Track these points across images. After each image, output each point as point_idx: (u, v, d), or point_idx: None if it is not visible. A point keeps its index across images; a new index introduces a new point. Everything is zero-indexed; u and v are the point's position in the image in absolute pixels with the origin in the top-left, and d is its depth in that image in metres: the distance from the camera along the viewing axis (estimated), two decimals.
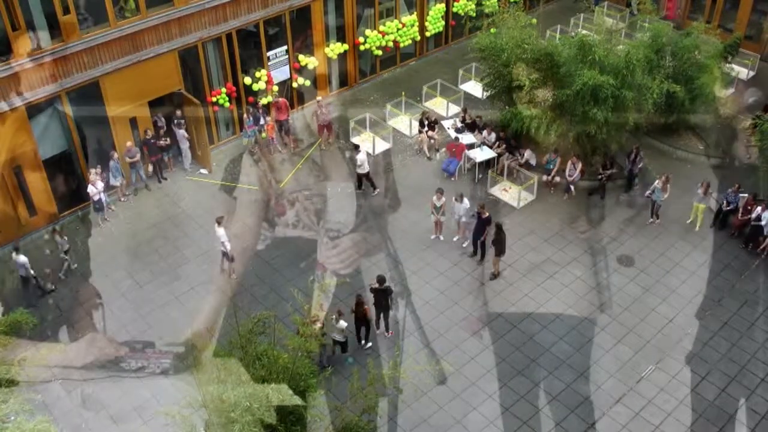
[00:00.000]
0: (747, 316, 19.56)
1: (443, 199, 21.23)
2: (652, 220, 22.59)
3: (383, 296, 18.50)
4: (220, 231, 19.96)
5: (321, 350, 17.05)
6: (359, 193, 23.65)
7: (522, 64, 23.18)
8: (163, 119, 23.96)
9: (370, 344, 18.83)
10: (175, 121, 23.75)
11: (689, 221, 22.38)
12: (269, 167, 24.83)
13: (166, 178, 24.04)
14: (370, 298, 18.68)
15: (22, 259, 19.46)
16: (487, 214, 20.53)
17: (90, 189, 21.61)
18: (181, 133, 23.74)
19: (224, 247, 20.16)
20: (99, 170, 22.07)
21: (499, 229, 20.08)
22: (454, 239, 21.62)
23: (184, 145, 24.08)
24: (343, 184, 24.13)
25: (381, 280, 18.40)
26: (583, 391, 17.72)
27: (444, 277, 20.69)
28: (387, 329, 19.09)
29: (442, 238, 21.80)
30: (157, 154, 23.56)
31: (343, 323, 17.75)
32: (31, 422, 12.71)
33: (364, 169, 23.31)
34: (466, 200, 21.06)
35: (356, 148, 23.86)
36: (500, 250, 20.25)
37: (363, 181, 23.64)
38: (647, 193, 22.54)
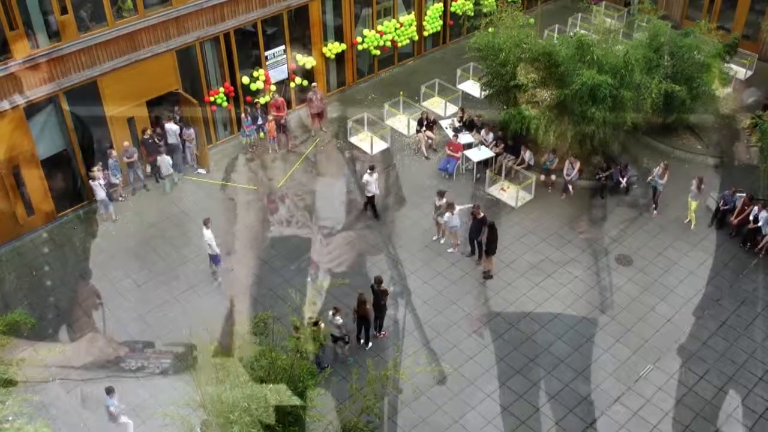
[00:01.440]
0: (745, 316, 19.59)
1: (444, 200, 21.19)
2: (654, 206, 22.77)
3: (379, 297, 18.51)
4: (208, 233, 19.83)
5: (320, 351, 17.06)
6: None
7: (521, 64, 23.18)
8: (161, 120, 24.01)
9: (370, 344, 18.83)
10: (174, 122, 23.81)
11: (687, 221, 22.40)
12: (268, 166, 24.82)
13: (163, 178, 23.99)
14: (370, 298, 18.65)
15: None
16: (482, 214, 20.54)
17: (93, 185, 21.59)
18: (174, 128, 23.75)
19: (211, 249, 20.03)
20: (101, 167, 22.08)
21: (491, 227, 20.09)
22: (449, 250, 21.57)
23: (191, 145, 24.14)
24: (341, 183, 24.13)
25: (378, 281, 18.42)
26: (582, 390, 17.74)
27: (442, 277, 20.69)
28: (379, 330, 19.07)
29: (443, 241, 21.77)
30: (155, 154, 23.53)
31: (338, 319, 17.73)
32: (31, 426, 12.71)
33: (369, 191, 22.33)
34: (457, 208, 21.01)
35: (371, 169, 22.24)
36: (490, 249, 20.28)
37: (367, 206, 22.83)
38: (648, 178, 22.97)
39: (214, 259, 20.24)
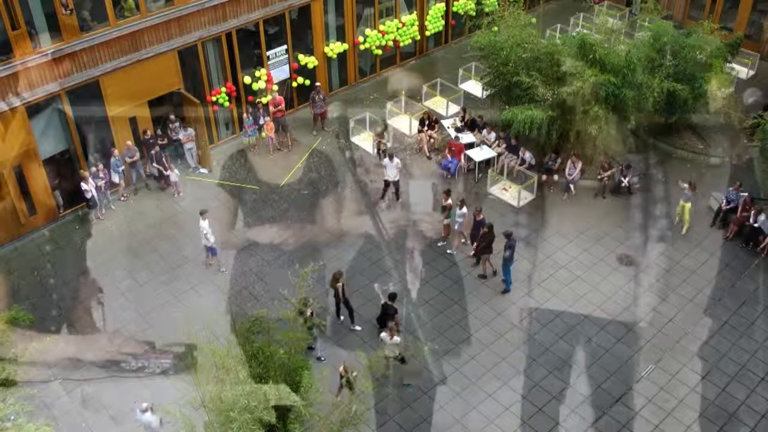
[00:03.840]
0: (747, 315, 19.57)
1: (449, 200, 21.16)
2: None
3: (389, 312, 18.33)
4: (203, 223, 19.98)
5: (313, 336, 17.27)
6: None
7: (522, 63, 23.17)
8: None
9: (358, 328, 18.93)
10: (170, 126, 23.82)
11: (677, 221, 22.30)
12: (269, 166, 24.83)
13: (167, 176, 23.96)
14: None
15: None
16: (482, 217, 20.53)
17: (82, 185, 21.62)
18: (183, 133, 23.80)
19: (206, 240, 20.19)
20: (101, 166, 22.09)
21: (489, 229, 20.07)
22: (448, 251, 21.56)
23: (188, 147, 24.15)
24: (342, 182, 24.14)
25: (392, 296, 18.40)
26: (583, 390, 17.73)
27: (444, 277, 20.69)
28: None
29: (441, 244, 21.71)
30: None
31: (397, 338, 17.29)
32: (33, 426, 12.73)
33: (389, 176, 22.79)
34: (465, 208, 21.01)
35: (390, 156, 22.74)
36: (487, 248, 20.27)
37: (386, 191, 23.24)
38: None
39: (211, 251, 20.49)
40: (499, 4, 28.20)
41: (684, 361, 18.37)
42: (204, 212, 20.18)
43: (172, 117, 23.74)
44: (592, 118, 21.88)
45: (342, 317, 19.12)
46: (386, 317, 18.29)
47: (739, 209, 21.66)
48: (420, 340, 18.76)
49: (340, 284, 18.53)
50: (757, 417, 17.12)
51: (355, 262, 21.13)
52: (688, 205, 21.94)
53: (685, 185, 21.95)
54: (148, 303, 19.85)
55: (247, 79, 25.05)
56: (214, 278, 20.60)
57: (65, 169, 22.39)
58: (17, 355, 16.12)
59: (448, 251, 21.48)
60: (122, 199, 23.26)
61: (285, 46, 25.74)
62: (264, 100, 25.61)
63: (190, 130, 23.86)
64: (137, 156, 23.07)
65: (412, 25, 29.44)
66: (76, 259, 21.25)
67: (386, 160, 22.70)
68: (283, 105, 25.69)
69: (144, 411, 15.73)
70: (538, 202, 23.36)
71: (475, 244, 20.60)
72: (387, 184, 23.05)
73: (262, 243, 21.80)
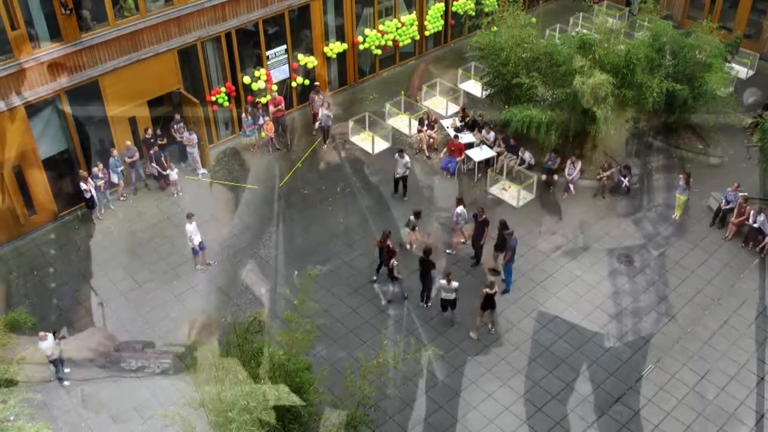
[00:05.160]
0: (747, 315, 19.57)
1: (459, 208, 21.12)
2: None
3: (428, 268, 19.31)
4: (189, 227, 20.06)
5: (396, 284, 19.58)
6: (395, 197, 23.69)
7: (522, 63, 23.18)
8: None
9: (401, 276, 19.80)
10: (175, 126, 23.82)
11: (674, 216, 22.45)
12: (269, 165, 24.83)
13: (166, 175, 23.96)
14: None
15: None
16: (484, 217, 20.55)
17: (82, 185, 21.61)
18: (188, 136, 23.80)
19: (191, 242, 20.26)
20: (100, 166, 22.09)
21: (503, 226, 20.13)
22: (447, 251, 21.59)
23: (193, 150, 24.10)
24: (341, 182, 24.14)
25: (427, 251, 19.27)
26: (583, 390, 17.73)
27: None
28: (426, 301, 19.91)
29: (449, 251, 21.70)
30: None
31: (455, 283, 18.69)
32: (33, 427, 12.72)
33: (398, 173, 23.14)
34: (461, 207, 21.04)
35: (400, 151, 23.10)
36: (501, 246, 20.33)
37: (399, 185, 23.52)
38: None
39: (194, 251, 20.60)
40: (498, 4, 28.20)
41: (684, 361, 18.39)
42: (191, 215, 20.21)
43: (177, 117, 23.72)
44: (591, 118, 21.90)
45: (375, 278, 20.40)
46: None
47: (735, 212, 21.64)
48: (420, 341, 18.78)
49: (389, 243, 19.61)
50: (756, 417, 17.13)
51: (355, 262, 21.15)
52: (684, 197, 22.16)
53: (681, 178, 22.19)
54: (147, 303, 19.85)
55: (247, 79, 25.04)
56: (213, 278, 20.61)
57: (65, 169, 22.36)
58: (20, 358, 16.10)
59: (448, 251, 21.50)
60: (122, 199, 23.26)
61: (284, 46, 25.74)
62: (263, 100, 25.61)
63: (194, 136, 23.74)
64: (136, 156, 23.07)
65: (412, 25, 29.44)
66: (76, 259, 21.25)
67: (396, 156, 22.97)
68: (283, 105, 25.69)
69: (42, 339, 17.07)
70: (537, 202, 23.37)
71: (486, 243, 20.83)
72: (397, 180, 23.30)
73: (262, 242, 21.80)
